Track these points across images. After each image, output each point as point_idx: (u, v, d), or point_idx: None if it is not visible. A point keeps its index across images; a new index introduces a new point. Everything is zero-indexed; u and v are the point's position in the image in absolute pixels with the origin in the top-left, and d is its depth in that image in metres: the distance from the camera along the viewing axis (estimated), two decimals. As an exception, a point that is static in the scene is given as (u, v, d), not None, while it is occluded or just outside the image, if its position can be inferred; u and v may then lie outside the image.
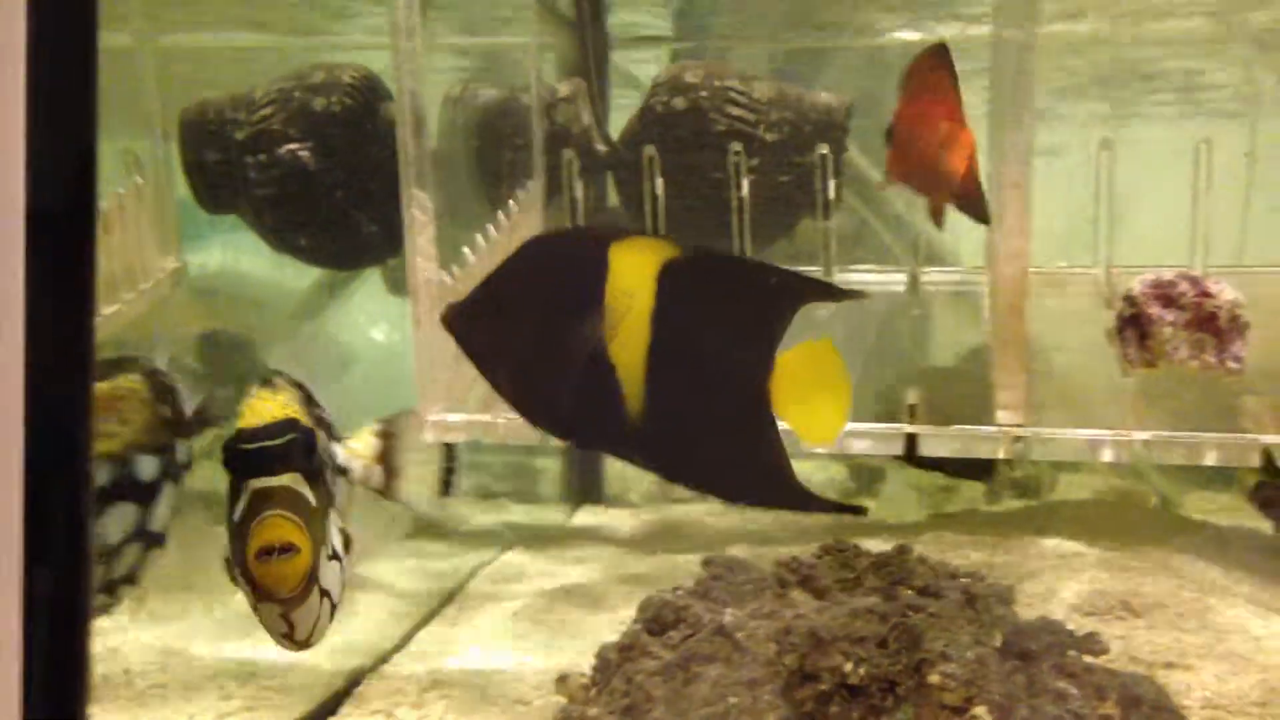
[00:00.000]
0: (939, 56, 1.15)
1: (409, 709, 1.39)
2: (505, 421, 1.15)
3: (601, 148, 1.90)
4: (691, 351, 0.83)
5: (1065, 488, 2.74)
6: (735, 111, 1.92)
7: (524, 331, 0.86)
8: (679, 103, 1.93)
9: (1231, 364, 1.08)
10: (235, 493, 0.91)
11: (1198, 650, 1.37)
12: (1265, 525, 1.84)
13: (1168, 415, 1.04)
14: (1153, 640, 1.40)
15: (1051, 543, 1.71)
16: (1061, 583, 1.59)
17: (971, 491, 2.54)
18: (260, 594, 0.89)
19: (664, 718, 1.16)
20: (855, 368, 0.86)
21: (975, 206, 1.09)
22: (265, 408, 0.92)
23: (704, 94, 1.93)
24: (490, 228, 1.32)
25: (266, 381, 0.96)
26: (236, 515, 0.90)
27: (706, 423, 0.85)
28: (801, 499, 0.92)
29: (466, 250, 1.26)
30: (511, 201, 1.39)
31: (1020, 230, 0.98)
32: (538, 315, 0.85)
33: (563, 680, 1.35)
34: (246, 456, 0.90)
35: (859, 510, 1.05)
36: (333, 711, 1.38)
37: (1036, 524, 1.81)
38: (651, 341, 0.81)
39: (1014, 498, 2.63)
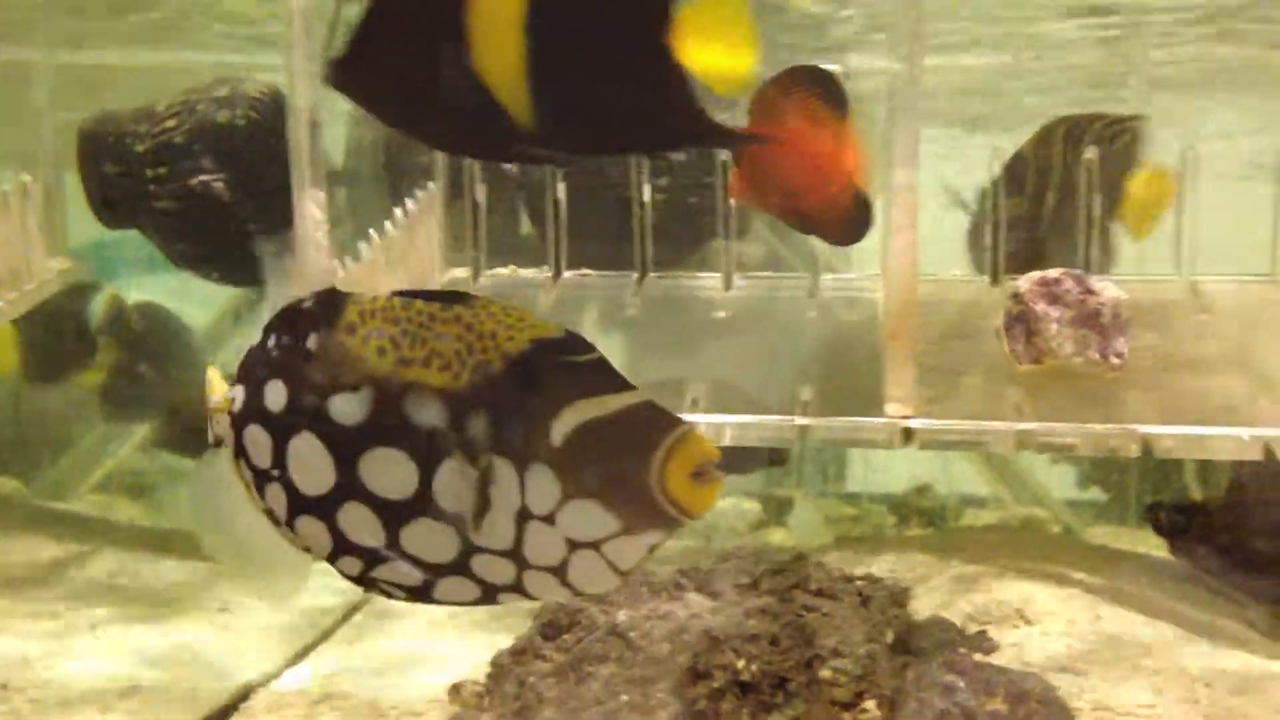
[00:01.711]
0: (819, 81, 1.17)
1: (295, 722, 1.35)
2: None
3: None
4: (579, 18, 0.83)
5: (971, 517, 2.78)
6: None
7: (402, 66, 0.85)
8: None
9: (1114, 359, 1.11)
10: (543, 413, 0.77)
11: (1088, 656, 1.38)
12: (1163, 549, 1.89)
13: (1050, 408, 1.06)
14: (1045, 646, 1.41)
15: (952, 563, 1.72)
16: (959, 596, 1.60)
17: (878, 518, 2.56)
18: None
19: (555, 718, 1.14)
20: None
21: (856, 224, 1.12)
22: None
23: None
24: (388, 224, 1.31)
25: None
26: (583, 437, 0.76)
27: (608, 85, 0.83)
28: (715, 130, 0.88)
29: (362, 245, 1.24)
30: (410, 200, 1.38)
31: (908, 229, 1.00)
32: (410, 48, 0.85)
33: (456, 690, 1.32)
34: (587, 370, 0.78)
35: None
36: (216, 726, 1.33)
37: (939, 547, 1.82)
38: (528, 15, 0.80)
39: (921, 526, 2.66)
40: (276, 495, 0.85)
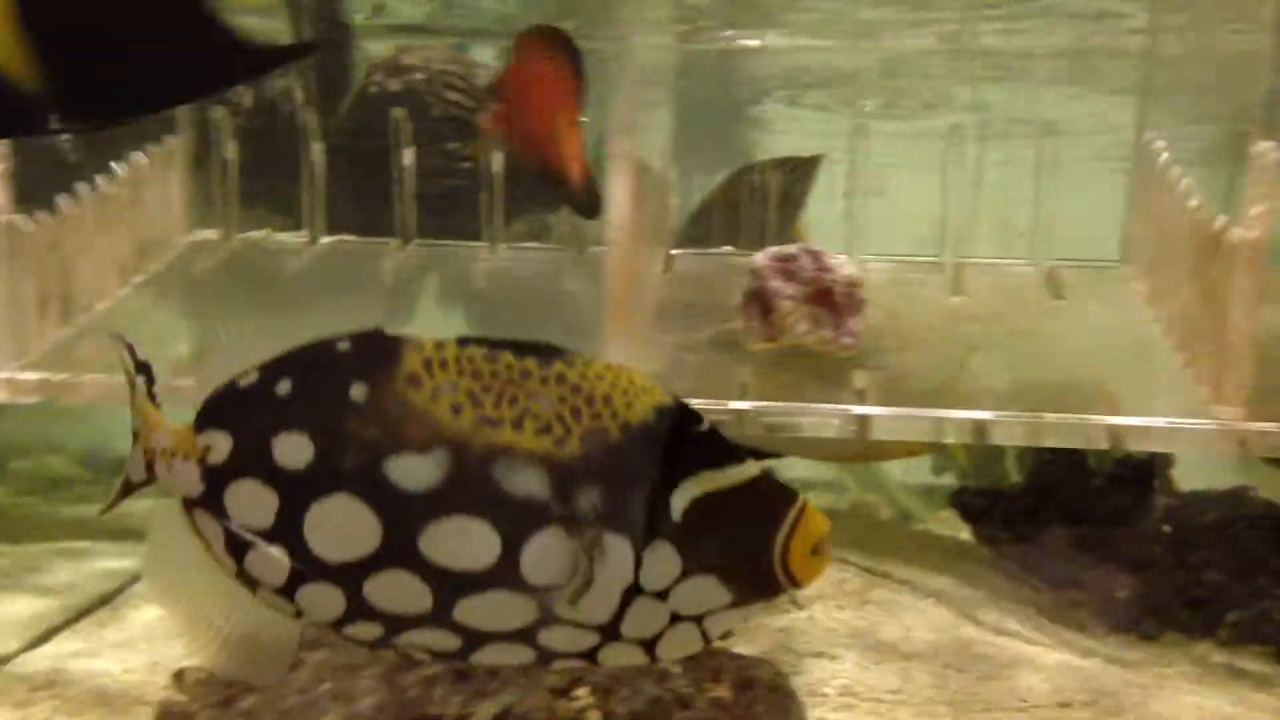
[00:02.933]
0: (562, 44, 1.13)
1: (10, 709, 1.26)
2: (90, 380, 1.05)
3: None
4: None
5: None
6: (453, 96, 1.86)
7: None
8: (394, 85, 1.86)
9: (846, 339, 1.08)
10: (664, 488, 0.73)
11: (847, 640, 1.36)
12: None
13: (774, 387, 1.02)
14: (809, 631, 1.39)
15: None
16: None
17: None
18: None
19: (256, 706, 1.08)
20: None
21: (587, 202, 1.07)
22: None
23: (420, 77, 1.87)
24: (100, 179, 1.22)
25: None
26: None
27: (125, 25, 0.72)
28: (261, 55, 0.77)
29: (62, 197, 1.16)
30: (139, 154, 1.29)
31: (626, 200, 0.95)
32: None
33: (179, 676, 1.25)
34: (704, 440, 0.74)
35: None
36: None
37: None
38: None
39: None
40: (271, 560, 0.77)
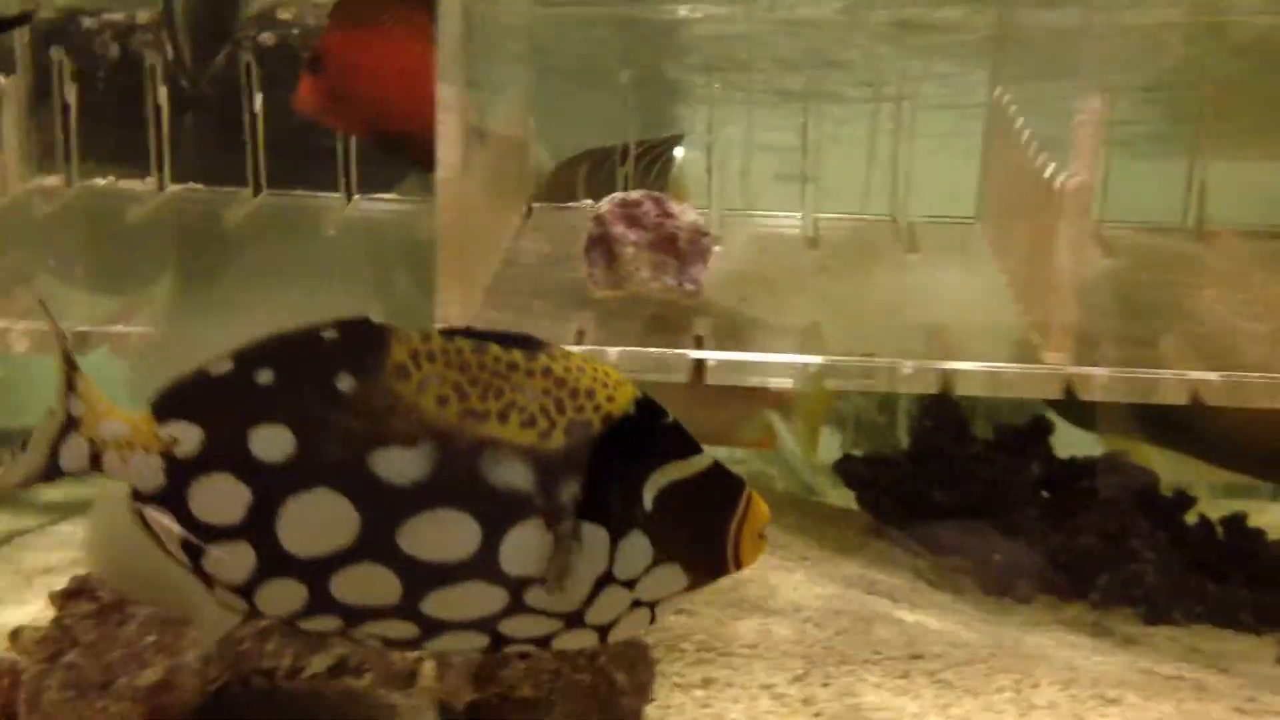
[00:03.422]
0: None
1: None
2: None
3: (185, 83, 1.76)
4: None
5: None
6: (325, 50, 1.83)
7: None
8: (267, 38, 1.82)
9: (689, 286, 1.07)
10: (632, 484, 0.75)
11: (709, 598, 1.36)
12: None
13: (614, 334, 1.01)
14: (671, 589, 1.39)
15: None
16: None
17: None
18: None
19: (81, 660, 1.05)
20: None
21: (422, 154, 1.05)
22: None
23: (294, 31, 1.83)
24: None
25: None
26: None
27: None
28: None
29: None
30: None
31: (455, 148, 0.92)
32: None
33: (15, 635, 1.21)
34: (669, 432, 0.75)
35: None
36: None
37: None
38: None
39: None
40: (235, 558, 0.74)
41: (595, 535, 0.74)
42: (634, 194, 1.08)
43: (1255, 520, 2.31)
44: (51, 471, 0.75)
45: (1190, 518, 1.95)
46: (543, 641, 0.78)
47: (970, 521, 2.00)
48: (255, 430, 0.72)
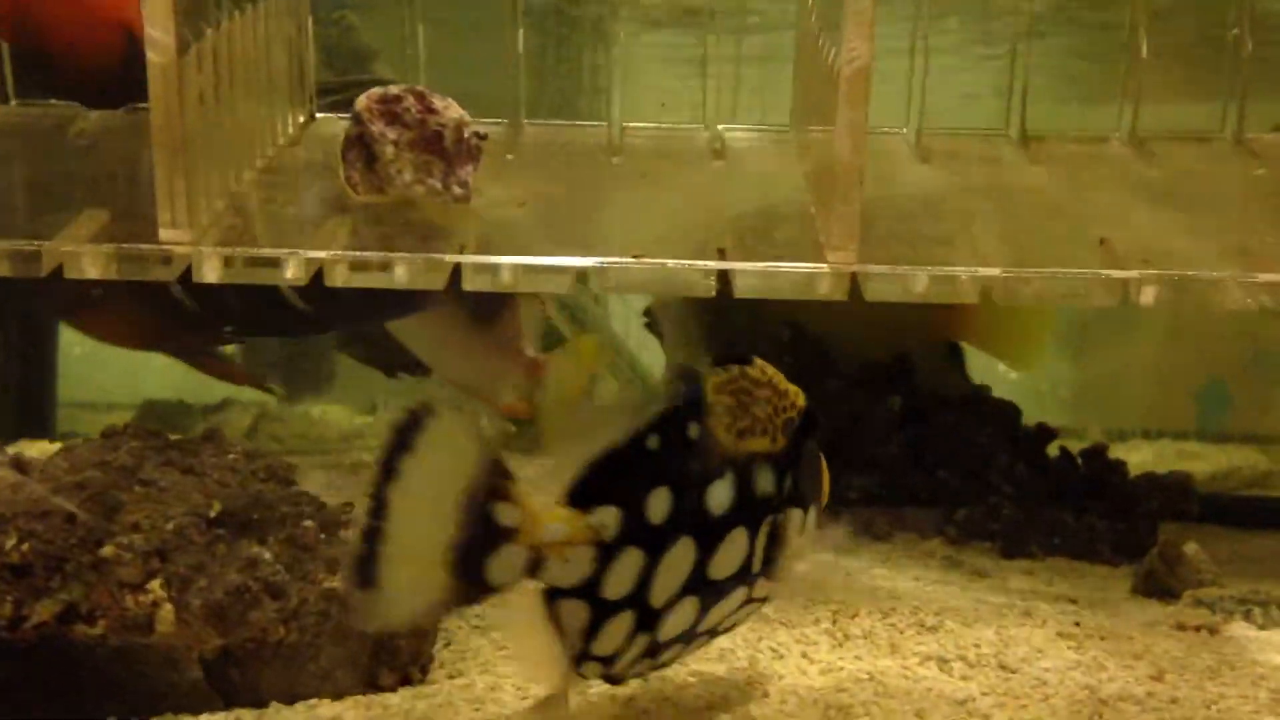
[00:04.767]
0: None
1: None
2: None
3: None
4: None
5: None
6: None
7: None
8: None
9: (457, 189, 0.97)
10: None
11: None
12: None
13: (368, 240, 0.91)
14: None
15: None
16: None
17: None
18: None
19: None
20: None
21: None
22: None
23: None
24: None
25: None
26: None
27: None
28: None
29: None
30: None
31: (165, 29, 0.82)
32: None
33: None
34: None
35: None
36: None
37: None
38: None
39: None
40: (620, 625, 0.75)
41: (796, 518, 0.81)
42: (395, 88, 0.98)
43: (1129, 458, 2.29)
44: (481, 587, 0.71)
45: (1052, 450, 1.92)
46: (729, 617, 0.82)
47: (829, 458, 1.95)
48: (648, 498, 0.73)
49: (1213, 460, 2.54)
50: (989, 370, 2.23)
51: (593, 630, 0.74)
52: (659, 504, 0.74)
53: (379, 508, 0.68)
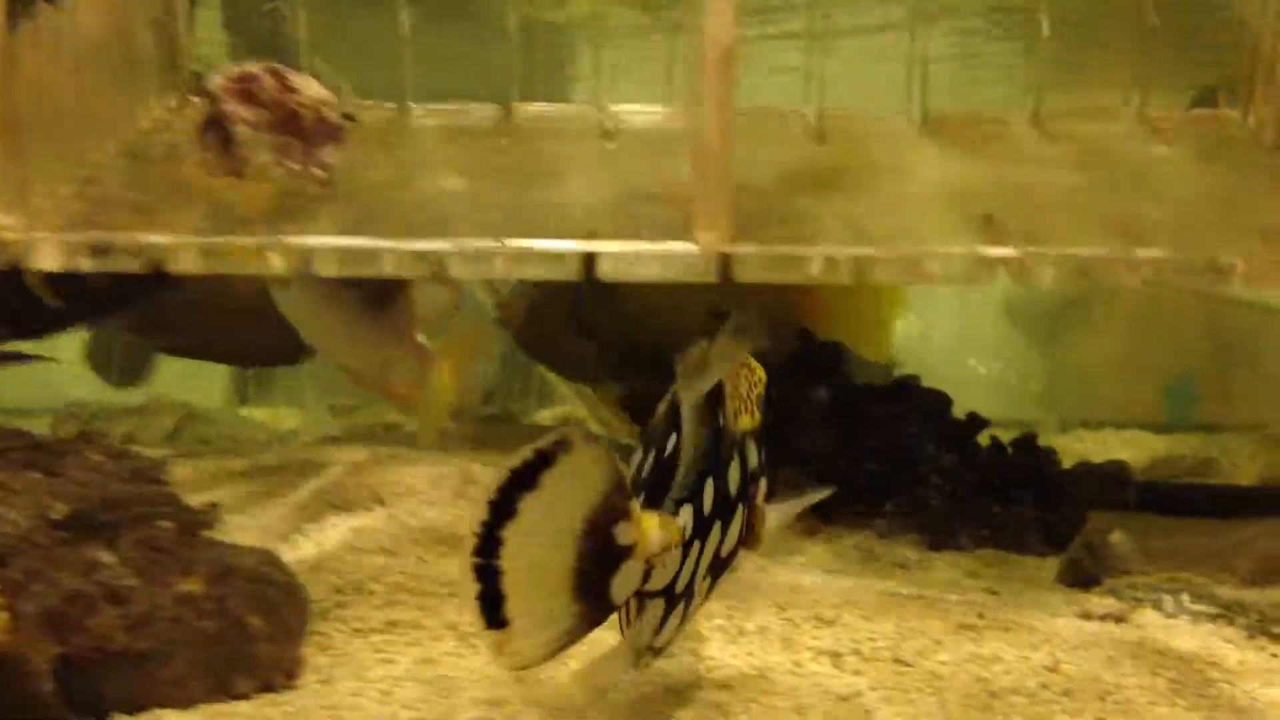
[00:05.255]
0: None
1: None
2: None
3: None
4: None
5: (545, 415, 2.63)
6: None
7: None
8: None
9: (316, 170, 0.93)
10: None
11: (415, 538, 1.24)
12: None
13: (217, 225, 0.87)
14: (376, 526, 1.26)
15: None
16: (324, 479, 1.44)
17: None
18: None
19: None
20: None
21: None
22: None
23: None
24: None
25: None
26: None
27: None
28: None
29: None
30: None
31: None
32: None
33: None
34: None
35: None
36: None
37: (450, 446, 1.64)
38: None
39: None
40: (677, 618, 0.77)
41: (765, 486, 0.84)
42: (252, 66, 0.94)
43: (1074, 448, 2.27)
44: (607, 609, 0.70)
45: (983, 440, 1.89)
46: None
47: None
48: (704, 489, 0.75)
49: (1153, 448, 2.52)
50: (923, 360, 2.21)
51: (661, 624, 0.75)
52: (709, 494, 0.75)
53: (492, 546, 0.66)
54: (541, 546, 0.66)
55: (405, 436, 1.87)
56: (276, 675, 0.95)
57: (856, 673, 0.99)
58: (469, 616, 0.68)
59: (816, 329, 1.80)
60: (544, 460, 0.65)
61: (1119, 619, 1.14)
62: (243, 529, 1.31)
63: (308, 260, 0.85)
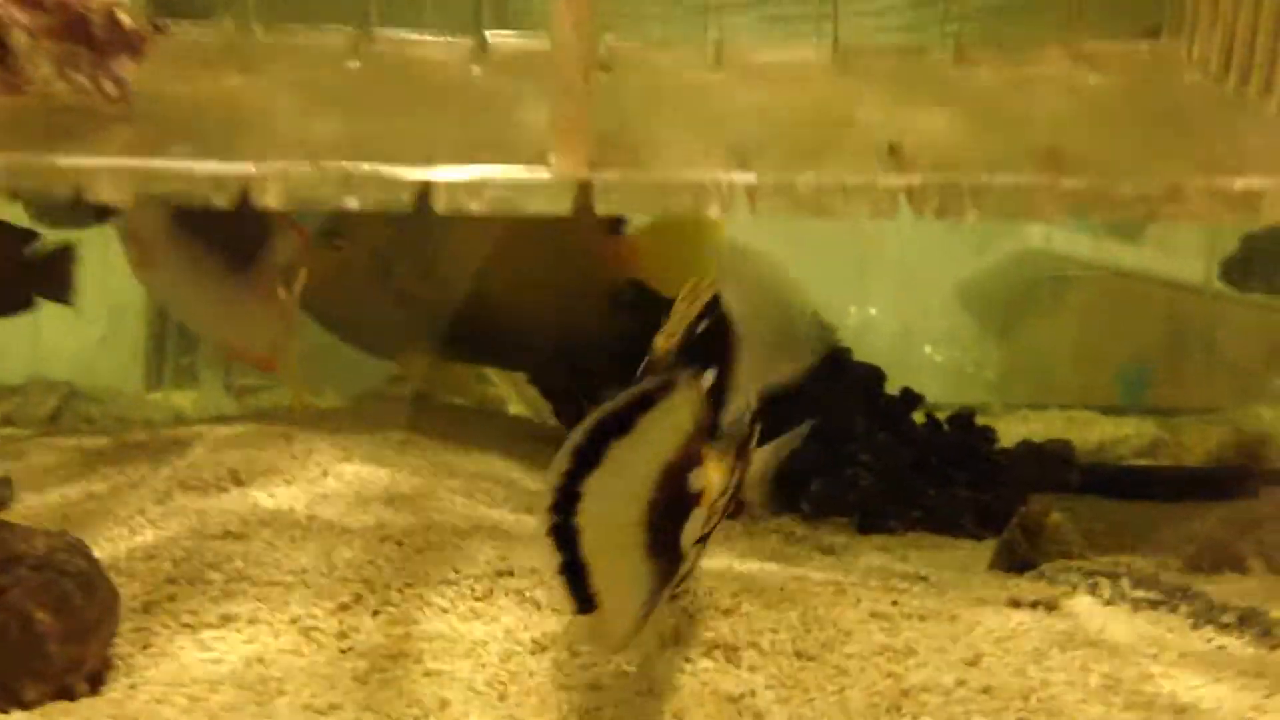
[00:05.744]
0: None
1: None
2: None
3: None
4: None
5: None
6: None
7: None
8: None
9: (109, 87, 0.79)
10: None
11: (266, 518, 1.10)
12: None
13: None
14: (243, 507, 1.12)
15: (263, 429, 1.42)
16: (195, 457, 1.30)
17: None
18: None
19: None
20: None
21: None
22: None
23: None
24: None
25: None
26: None
27: None
28: None
29: None
30: None
31: None
32: None
33: None
34: None
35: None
36: None
37: (336, 424, 1.50)
38: None
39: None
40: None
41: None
42: (34, -37, 0.79)
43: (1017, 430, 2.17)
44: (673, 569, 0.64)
45: (919, 418, 1.79)
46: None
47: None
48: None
49: (1101, 429, 2.44)
50: (875, 347, 2.11)
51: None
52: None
53: (570, 501, 0.57)
54: (620, 499, 0.58)
55: (303, 417, 1.73)
56: (76, 679, 0.81)
57: (752, 668, 0.87)
58: (555, 595, 0.59)
59: (637, 277, 1.66)
60: (644, 403, 0.57)
61: (1050, 606, 1.02)
62: (89, 514, 1.16)
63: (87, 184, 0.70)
